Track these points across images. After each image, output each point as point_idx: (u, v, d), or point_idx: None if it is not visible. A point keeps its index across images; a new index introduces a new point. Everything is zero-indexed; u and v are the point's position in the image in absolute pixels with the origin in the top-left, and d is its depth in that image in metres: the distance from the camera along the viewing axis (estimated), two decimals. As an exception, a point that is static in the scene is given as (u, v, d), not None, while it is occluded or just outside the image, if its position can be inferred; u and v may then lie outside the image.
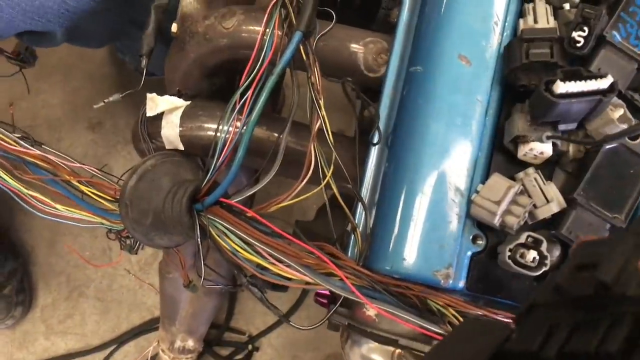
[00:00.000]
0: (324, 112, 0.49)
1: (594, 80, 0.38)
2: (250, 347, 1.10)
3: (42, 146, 0.55)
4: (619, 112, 0.40)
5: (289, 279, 0.44)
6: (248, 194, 0.52)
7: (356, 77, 0.56)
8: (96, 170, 0.58)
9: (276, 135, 0.56)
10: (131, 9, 0.70)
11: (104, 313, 1.12)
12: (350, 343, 0.46)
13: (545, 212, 0.40)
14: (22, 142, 0.54)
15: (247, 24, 0.56)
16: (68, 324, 1.12)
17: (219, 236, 0.47)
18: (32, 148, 0.54)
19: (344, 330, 0.51)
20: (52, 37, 0.64)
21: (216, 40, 0.57)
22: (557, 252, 0.42)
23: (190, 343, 0.99)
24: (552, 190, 0.41)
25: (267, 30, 0.50)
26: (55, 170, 0.56)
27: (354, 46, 0.56)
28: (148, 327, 1.10)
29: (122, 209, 0.51)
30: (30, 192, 0.56)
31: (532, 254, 0.39)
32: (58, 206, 0.57)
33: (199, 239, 0.49)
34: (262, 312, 1.15)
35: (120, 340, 1.09)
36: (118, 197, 0.54)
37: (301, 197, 0.48)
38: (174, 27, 0.68)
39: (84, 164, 0.57)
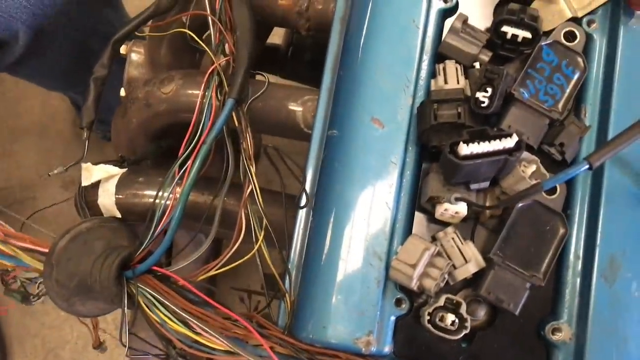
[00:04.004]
0: (254, 178, 0.49)
1: (498, 140, 0.38)
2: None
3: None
4: (532, 168, 0.40)
5: (215, 350, 0.43)
6: (189, 261, 0.51)
7: (297, 135, 0.56)
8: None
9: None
10: (92, 29, 0.71)
11: (79, 375, 1.11)
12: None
13: (463, 273, 0.40)
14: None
15: (186, 88, 0.57)
16: (42, 388, 1.10)
17: (147, 306, 0.47)
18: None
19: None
20: (13, 42, 0.64)
21: (156, 106, 0.58)
22: (482, 312, 0.42)
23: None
24: (471, 249, 0.40)
25: (206, 94, 0.51)
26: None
27: (292, 105, 0.56)
28: (123, 388, 1.08)
29: (46, 268, 0.50)
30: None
31: (450, 318, 0.38)
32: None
33: (125, 307, 0.49)
34: None
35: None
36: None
37: (233, 265, 0.48)
38: (122, 92, 0.69)
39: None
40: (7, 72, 0.73)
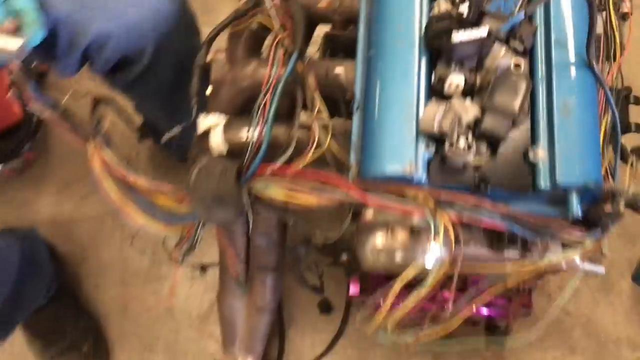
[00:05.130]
0: (319, 100, 0.71)
1: (475, 29, 0.60)
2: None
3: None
4: (503, 51, 0.63)
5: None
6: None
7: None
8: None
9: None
10: (187, 52, 0.88)
11: (173, 364, 1.29)
12: (360, 246, 0.65)
13: (467, 118, 0.61)
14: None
15: (261, 66, 0.80)
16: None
17: (260, 192, 0.68)
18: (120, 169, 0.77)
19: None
20: (139, 59, 0.85)
21: (240, 83, 0.82)
22: (484, 147, 0.62)
23: (250, 361, 1.15)
24: (471, 104, 0.62)
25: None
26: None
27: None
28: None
29: (190, 194, 0.72)
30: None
31: (462, 141, 0.59)
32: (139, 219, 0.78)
33: (247, 202, 0.70)
34: (310, 345, 1.31)
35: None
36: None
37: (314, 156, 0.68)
38: (209, 90, 0.94)
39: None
40: (123, 89, 0.98)
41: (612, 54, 0.68)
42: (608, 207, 0.59)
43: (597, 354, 1.31)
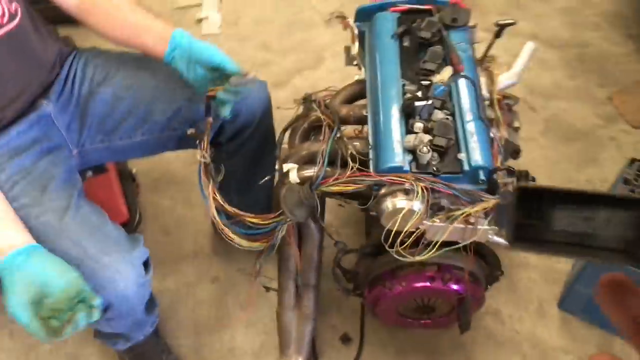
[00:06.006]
0: (345, 138, 1.38)
1: (426, 103, 1.30)
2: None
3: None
4: (439, 112, 1.32)
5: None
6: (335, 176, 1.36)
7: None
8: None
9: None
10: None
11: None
12: (380, 205, 1.26)
13: (425, 139, 1.27)
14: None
15: (313, 143, 1.49)
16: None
17: (326, 193, 1.30)
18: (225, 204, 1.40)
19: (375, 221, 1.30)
20: (248, 127, 1.58)
21: (300, 153, 1.49)
22: (436, 155, 1.27)
23: (300, 361, 1.63)
24: (426, 135, 1.28)
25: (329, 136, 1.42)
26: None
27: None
28: None
29: (282, 207, 1.33)
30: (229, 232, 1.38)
31: (425, 150, 1.25)
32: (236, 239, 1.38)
33: (317, 201, 1.32)
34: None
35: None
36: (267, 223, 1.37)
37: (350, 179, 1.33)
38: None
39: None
40: (228, 155, 1.63)
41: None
42: (499, 176, 1.24)
43: (542, 358, 1.82)
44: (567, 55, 2.62)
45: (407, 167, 1.26)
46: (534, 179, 1.36)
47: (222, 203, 1.38)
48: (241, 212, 1.39)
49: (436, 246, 1.29)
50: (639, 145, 2.25)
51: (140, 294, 1.38)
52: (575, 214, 0.38)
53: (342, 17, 2.85)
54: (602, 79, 2.52)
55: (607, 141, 2.32)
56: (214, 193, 1.38)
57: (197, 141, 1.34)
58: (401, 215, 1.24)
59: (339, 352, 1.84)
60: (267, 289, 1.66)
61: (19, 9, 1.30)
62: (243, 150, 1.62)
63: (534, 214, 0.39)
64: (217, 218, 1.38)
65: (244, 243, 1.42)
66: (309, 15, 2.87)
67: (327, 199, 1.55)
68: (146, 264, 1.41)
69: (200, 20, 2.84)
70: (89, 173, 1.67)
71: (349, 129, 1.57)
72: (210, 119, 1.35)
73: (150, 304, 1.61)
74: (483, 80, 1.48)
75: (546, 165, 2.21)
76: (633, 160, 1.79)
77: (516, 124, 1.60)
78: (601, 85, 2.50)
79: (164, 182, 2.23)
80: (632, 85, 2.46)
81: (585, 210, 0.38)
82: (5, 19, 1.26)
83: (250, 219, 1.39)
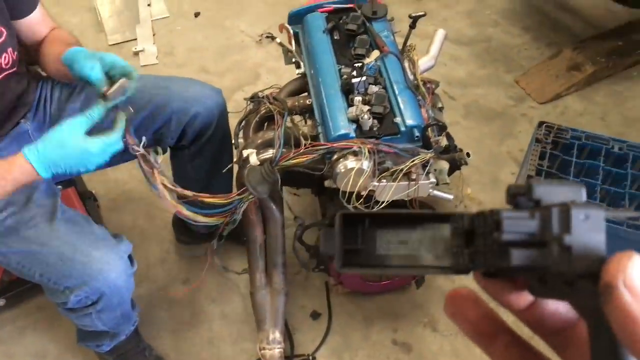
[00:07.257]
0: (285, 120, 1.57)
1: (361, 79, 1.51)
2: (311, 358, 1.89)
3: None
4: (374, 86, 1.53)
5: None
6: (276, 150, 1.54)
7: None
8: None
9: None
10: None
11: None
12: (335, 168, 1.45)
13: (365, 109, 1.48)
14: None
15: (264, 133, 1.67)
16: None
17: (284, 165, 1.48)
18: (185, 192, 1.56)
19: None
20: (206, 130, 1.73)
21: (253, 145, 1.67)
22: (375, 121, 1.48)
23: (277, 334, 1.78)
24: (364, 106, 1.49)
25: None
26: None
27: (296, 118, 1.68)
28: None
29: (246, 183, 1.50)
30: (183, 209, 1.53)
31: (366, 117, 1.45)
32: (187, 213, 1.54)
33: (278, 177, 1.49)
34: (311, 340, 1.94)
35: None
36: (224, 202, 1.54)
37: (306, 153, 1.51)
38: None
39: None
40: (190, 157, 1.77)
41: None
42: (430, 135, 1.45)
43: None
44: (475, 50, 2.94)
45: (353, 134, 1.46)
46: (468, 155, 1.57)
47: (171, 187, 1.52)
48: (197, 193, 1.53)
49: (384, 204, 1.49)
50: (545, 117, 2.56)
51: (128, 285, 1.50)
52: (393, 238, 0.38)
53: (272, 38, 3.10)
54: (508, 66, 2.85)
55: (519, 117, 2.62)
56: (160, 177, 1.49)
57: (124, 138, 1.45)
58: (352, 174, 1.44)
59: (311, 327, 1.99)
60: (226, 269, 1.81)
61: (16, 54, 1.45)
62: (204, 152, 1.78)
63: (359, 239, 0.38)
64: (169, 198, 1.52)
65: (200, 218, 1.56)
66: (240, 39, 3.08)
67: (283, 193, 1.74)
68: (130, 258, 1.54)
69: (137, 53, 2.99)
70: (59, 187, 1.77)
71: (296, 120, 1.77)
72: (123, 112, 1.36)
73: (132, 301, 1.72)
74: (407, 65, 1.72)
75: (471, 143, 2.48)
76: (541, 123, 2.08)
77: (439, 105, 1.84)
78: (508, 72, 2.83)
79: (122, 201, 2.34)
80: (533, 69, 2.80)
81: (401, 233, 0.38)
82: (9, 65, 1.43)
83: (207, 199, 1.55)
